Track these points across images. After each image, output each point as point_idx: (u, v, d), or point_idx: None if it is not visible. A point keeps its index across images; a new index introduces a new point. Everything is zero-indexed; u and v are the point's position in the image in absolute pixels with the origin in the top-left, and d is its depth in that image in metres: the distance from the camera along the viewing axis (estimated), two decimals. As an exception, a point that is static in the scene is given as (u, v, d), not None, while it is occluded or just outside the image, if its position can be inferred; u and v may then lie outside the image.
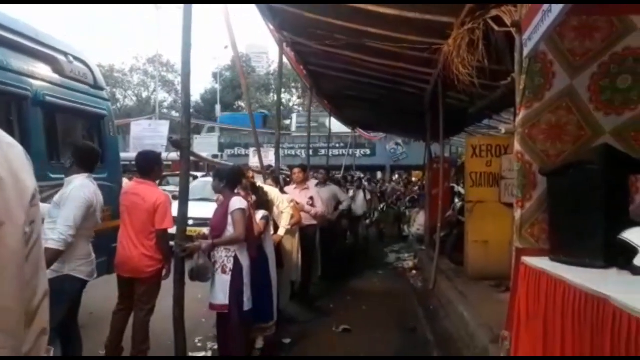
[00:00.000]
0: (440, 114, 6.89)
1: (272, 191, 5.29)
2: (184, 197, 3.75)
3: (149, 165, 4.10)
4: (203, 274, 3.82)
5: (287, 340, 4.88)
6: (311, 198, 6.34)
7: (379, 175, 30.49)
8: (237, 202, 3.89)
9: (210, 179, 4.53)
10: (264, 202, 4.70)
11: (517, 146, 3.32)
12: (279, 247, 5.07)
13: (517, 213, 3.34)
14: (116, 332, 4.10)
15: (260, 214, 4.49)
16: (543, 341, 2.86)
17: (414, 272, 8.47)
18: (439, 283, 6.70)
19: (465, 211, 6.79)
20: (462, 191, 8.96)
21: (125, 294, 4.13)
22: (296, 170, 6.60)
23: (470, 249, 6.54)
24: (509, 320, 3.36)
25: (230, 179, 4.03)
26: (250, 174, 5.53)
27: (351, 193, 11.39)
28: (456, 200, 9.81)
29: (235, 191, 4.11)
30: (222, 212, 3.92)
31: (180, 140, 3.70)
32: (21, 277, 0.97)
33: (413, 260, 9.30)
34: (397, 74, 7.02)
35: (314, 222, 6.37)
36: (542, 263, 3.05)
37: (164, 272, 4.05)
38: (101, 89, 5.53)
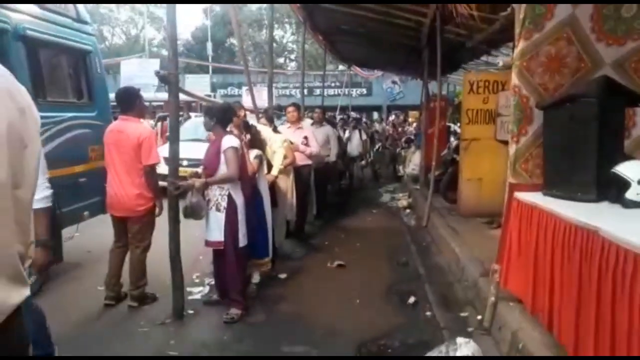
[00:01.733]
0: (438, 49, 6.71)
1: (264, 130, 5.24)
2: (174, 135, 3.71)
3: (129, 100, 4.06)
4: (197, 212, 3.85)
5: (283, 275, 5.01)
6: (305, 137, 6.30)
7: (375, 115, 30.23)
8: (230, 140, 3.85)
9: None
10: (256, 141, 4.66)
11: (514, 80, 3.25)
12: (273, 186, 5.08)
13: (512, 148, 3.33)
14: (114, 269, 4.20)
15: (253, 153, 4.46)
16: (533, 273, 2.94)
17: (408, 210, 8.58)
18: (432, 220, 6.81)
19: (460, 149, 6.77)
20: (459, 130, 8.91)
21: (120, 232, 4.20)
22: (290, 108, 6.50)
23: (464, 186, 6.59)
24: (500, 254, 3.44)
25: (221, 116, 3.96)
26: (242, 112, 5.45)
27: (347, 134, 11.33)
28: (452, 139, 9.78)
29: (227, 129, 4.06)
30: (215, 150, 3.89)
31: (168, 74, 3.60)
32: (34, 192, 1.24)
33: (407, 199, 9.40)
34: (394, 6, 6.77)
35: (309, 162, 6.35)
36: (534, 198, 3.08)
37: (157, 209, 4.11)
38: (85, 22, 5.31)
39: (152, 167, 3.98)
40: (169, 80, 3.60)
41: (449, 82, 16.89)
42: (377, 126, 17.78)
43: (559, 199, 2.95)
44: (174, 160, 3.75)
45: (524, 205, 3.14)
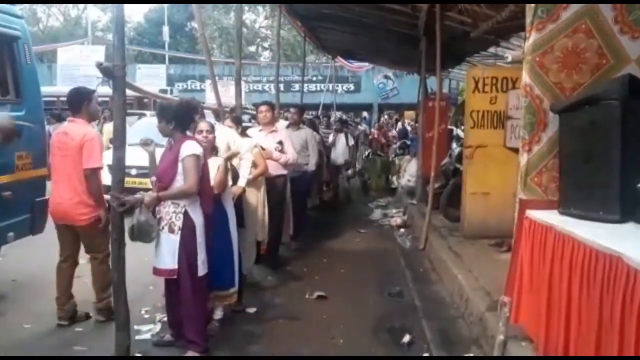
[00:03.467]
0: (437, 39, 6.80)
1: (230, 134, 5.21)
2: (119, 139, 3.65)
3: (78, 102, 4.40)
4: (145, 233, 3.80)
5: (252, 310, 4.97)
6: (280, 143, 6.29)
7: (365, 115, 30.44)
8: (190, 147, 3.81)
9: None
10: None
11: (525, 77, 3.32)
12: (240, 201, 5.05)
13: (523, 158, 3.38)
14: (63, 287, 4.46)
15: (215, 162, 4.42)
16: (547, 305, 2.97)
17: (403, 230, 8.62)
18: (430, 242, 6.85)
19: (463, 158, 6.85)
20: (462, 134, 9.02)
21: (66, 243, 4.48)
22: (263, 108, 6.48)
23: (468, 202, 6.66)
24: (510, 283, 3.48)
25: (179, 117, 3.93)
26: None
27: (331, 138, 11.37)
28: (454, 145, 9.90)
29: (188, 132, 4.03)
30: (171, 158, 3.85)
31: (113, 67, 3.56)
32: None
33: (401, 217, 9.45)
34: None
35: (284, 171, 6.34)
36: (549, 217, 3.13)
37: (103, 220, 4.32)
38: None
39: (93, 172, 4.25)
40: (113, 73, 3.56)
41: (451, 77, 17.16)
42: (360, 128, 17.83)
43: (577, 219, 3.00)
44: (118, 169, 3.69)
45: (537, 226, 3.19)
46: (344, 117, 18.12)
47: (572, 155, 3.18)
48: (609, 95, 2.97)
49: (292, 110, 7.82)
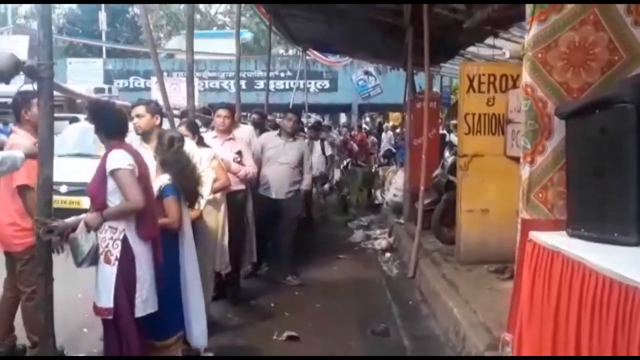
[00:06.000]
0: (425, 29, 6.90)
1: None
2: (46, 152, 3.62)
3: (15, 108, 4.55)
4: (73, 254, 3.78)
5: (210, 354, 4.93)
6: (239, 153, 6.29)
7: (343, 118, 30.61)
8: (117, 158, 3.74)
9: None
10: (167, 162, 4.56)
11: (525, 77, 3.39)
12: (193, 223, 5.01)
13: (525, 171, 3.44)
14: (2, 320, 4.61)
15: (163, 180, 4.38)
16: (552, 342, 3.01)
17: (388, 254, 8.66)
18: (421, 269, 6.89)
19: (457, 169, 6.93)
20: (456, 141, 9.12)
21: (7, 271, 4.67)
22: (222, 112, 6.44)
23: (463, 221, 6.72)
24: (512, 317, 3.53)
25: (107, 121, 3.90)
26: (155, 118, 5.29)
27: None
28: (447, 153, 9.99)
29: (128, 139, 4.02)
30: (98, 173, 3.81)
31: (38, 66, 3.53)
32: None
33: (387, 239, 9.49)
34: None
35: (242, 186, 6.34)
36: (556, 239, 3.18)
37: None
38: None
39: (23, 188, 4.33)
40: (38, 73, 3.53)
41: (443, 74, 17.35)
42: (333, 135, 17.85)
43: (588, 242, 3.06)
44: (45, 189, 3.65)
45: (542, 250, 3.24)
46: (319, 120, 18.15)
47: (581, 167, 3.24)
48: (622, 98, 3.00)
49: (291, 117, 7.58)
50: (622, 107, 3.00)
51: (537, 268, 3.24)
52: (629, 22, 3.38)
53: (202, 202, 5.09)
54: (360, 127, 21.29)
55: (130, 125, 4.62)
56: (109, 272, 3.77)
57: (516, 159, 4.84)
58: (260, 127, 8.54)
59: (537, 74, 3.38)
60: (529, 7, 3.38)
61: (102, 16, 33.74)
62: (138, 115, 4.86)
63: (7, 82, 3.44)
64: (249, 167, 6.33)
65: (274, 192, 7.10)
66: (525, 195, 3.41)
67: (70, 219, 3.78)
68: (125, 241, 3.78)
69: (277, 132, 7.57)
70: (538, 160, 3.41)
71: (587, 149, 3.20)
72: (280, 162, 7.11)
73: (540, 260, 3.23)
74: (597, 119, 3.12)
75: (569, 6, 3.31)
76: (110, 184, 3.75)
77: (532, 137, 3.41)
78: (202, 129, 7.49)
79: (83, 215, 3.83)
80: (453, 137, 11.56)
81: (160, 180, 4.30)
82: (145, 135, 4.90)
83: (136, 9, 37.44)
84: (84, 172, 5.34)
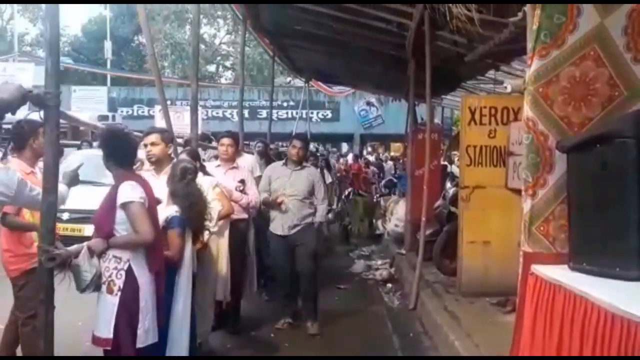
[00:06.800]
0: (427, 62, 6.96)
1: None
2: (50, 180, 3.63)
3: (20, 137, 4.52)
4: (76, 280, 3.76)
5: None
6: (242, 181, 6.31)
7: (345, 147, 30.71)
8: (128, 190, 3.76)
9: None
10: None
11: (527, 110, 3.41)
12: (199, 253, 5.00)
13: (527, 204, 3.45)
14: (5, 345, 4.67)
15: (170, 210, 4.38)
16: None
17: (389, 285, 8.63)
18: (422, 301, 6.86)
19: (459, 200, 6.94)
20: (458, 172, 9.15)
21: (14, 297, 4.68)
22: (225, 141, 6.46)
23: (465, 252, 6.71)
24: (514, 351, 3.50)
25: (118, 148, 3.92)
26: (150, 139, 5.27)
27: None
28: (448, 184, 10.01)
29: (137, 168, 4.03)
30: (108, 203, 3.82)
31: (44, 94, 3.56)
32: None
33: (388, 269, 9.47)
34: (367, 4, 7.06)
35: (244, 215, 6.34)
36: (558, 273, 3.18)
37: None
38: None
39: (4, 215, 4.35)
40: (45, 102, 3.56)
41: (444, 105, 17.46)
42: (333, 160, 17.76)
43: (591, 276, 3.06)
44: (48, 217, 3.66)
45: (544, 284, 3.23)
46: (320, 149, 18.21)
47: (583, 201, 3.25)
48: (623, 133, 3.04)
49: (296, 143, 6.80)
50: (622, 142, 3.03)
51: (539, 302, 3.23)
52: (628, 59, 3.42)
53: (207, 234, 5.09)
54: (357, 156, 21.16)
55: (142, 154, 4.66)
56: (110, 302, 3.76)
57: (517, 191, 4.85)
58: (266, 156, 8.58)
59: (539, 108, 3.40)
60: (530, 42, 3.42)
61: (108, 45, 34.14)
62: (153, 144, 4.87)
63: (14, 112, 3.46)
64: (252, 196, 6.33)
65: (281, 228, 6.52)
66: (527, 228, 3.42)
67: (73, 247, 3.78)
68: (129, 272, 3.76)
69: (282, 161, 7.02)
70: (539, 194, 3.42)
71: (589, 183, 3.22)
72: (287, 194, 6.48)
73: (542, 293, 3.23)
74: (598, 153, 3.15)
75: (570, 41, 3.34)
76: (120, 215, 3.74)
77: (534, 171, 3.42)
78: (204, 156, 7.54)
79: (76, 247, 3.78)
80: (454, 168, 11.58)
81: (168, 210, 4.31)
82: (157, 164, 4.92)
83: (141, 38, 37.88)
84: (87, 199, 5.38)
